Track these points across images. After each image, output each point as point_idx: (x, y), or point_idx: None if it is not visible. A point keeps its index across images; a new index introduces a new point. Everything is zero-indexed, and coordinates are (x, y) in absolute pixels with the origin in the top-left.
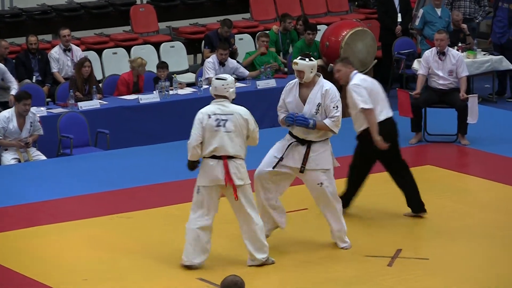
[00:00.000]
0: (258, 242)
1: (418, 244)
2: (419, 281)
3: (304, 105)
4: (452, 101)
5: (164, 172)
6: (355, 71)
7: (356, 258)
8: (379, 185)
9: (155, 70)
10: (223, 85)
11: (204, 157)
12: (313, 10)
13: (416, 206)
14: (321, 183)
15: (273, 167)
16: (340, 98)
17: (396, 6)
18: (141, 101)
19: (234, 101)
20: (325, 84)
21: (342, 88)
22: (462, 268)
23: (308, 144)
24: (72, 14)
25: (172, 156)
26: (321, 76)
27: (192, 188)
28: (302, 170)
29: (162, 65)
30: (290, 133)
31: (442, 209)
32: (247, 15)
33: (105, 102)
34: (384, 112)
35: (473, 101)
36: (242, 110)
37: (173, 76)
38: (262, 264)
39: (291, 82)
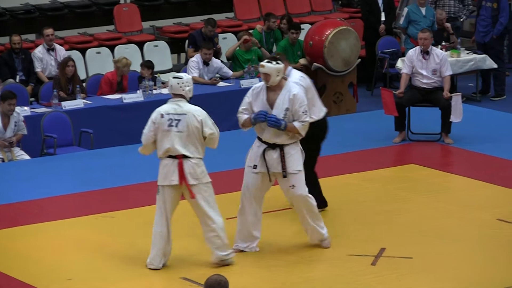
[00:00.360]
0: (218, 240)
1: (401, 243)
2: (402, 280)
3: (272, 109)
4: (435, 100)
5: (148, 172)
6: (290, 67)
7: (340, 257)
8: (362, 184)
9: (139, 69)
10: (178, 83)
11: (160, 157)
12: (297, 9)
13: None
14: (293, 185)
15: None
16: (306, 102)
17: (380, 5)
18: (124, 101)
19: (221, 100)
20: (293, 89)
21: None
22: (445, 267)
23: (280, 147)
24: (55, 14)
25: (156, 155)
26: (288, 80)
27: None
28: (284, 175)
29: (147, 64)
30: (259, 139)
31: (425, 208)
32: (231, 15)
33: (88, 102)
34: (323, 109)
35: (456, 100)
36: (197, 111)
37: (156, 75)
38: (223, 262)
39: (257, 85)
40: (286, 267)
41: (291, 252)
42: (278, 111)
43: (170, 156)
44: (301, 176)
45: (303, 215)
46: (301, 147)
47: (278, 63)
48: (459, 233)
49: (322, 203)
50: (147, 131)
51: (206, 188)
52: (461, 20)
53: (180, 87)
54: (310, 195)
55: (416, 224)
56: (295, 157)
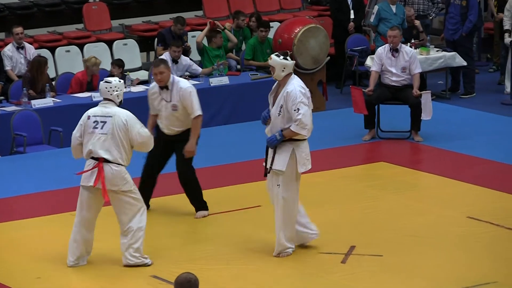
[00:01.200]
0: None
1: (371, 241)
2: (373, 278)
3: (272, 106)
4: (405, 98)
5: None
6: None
7: (310, 255)
8: (332, 182)
9: (108, 68)
10: (106, 87)
11: (85, 158)
12: (266, 7)
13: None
14: (279, 185)
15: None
16: (303, 99)
17: (349, 3)
18: (94, 99)
19: None
20: (289, 86)
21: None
22: (416, 264)
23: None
24: (25, 12)
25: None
26: (292, 76)
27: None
28: (268, 171)
29: (118, 63)
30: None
31: (395, 206)
32: (200, 13)
33: (58, 100)
34: None
35: (426, 98)
36: (124, 114)
37: (126, 74)
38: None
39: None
40: (255, 265)
41: (260, 250)
42: (275, 108)
43: (93, 158)
44: (284, 178)
45: (277, 216)
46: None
47: (286, 59)
48: (429, 231)
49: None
50: (74, 132)
51: (123, 196)
52: (431, 18)
53: (108, 91)
54: (289, 202)
55: (386, 222)
56: (282, 157)
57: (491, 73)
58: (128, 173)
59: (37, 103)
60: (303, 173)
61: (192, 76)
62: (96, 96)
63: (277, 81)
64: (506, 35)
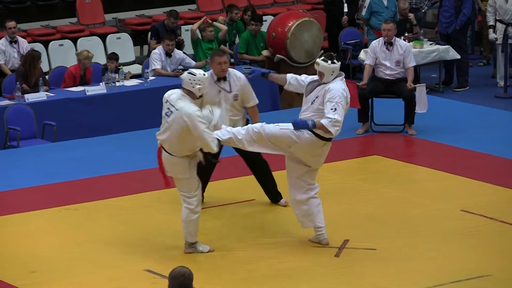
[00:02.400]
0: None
1: (365, 234)
2: (366, 271)
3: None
4: (399, 91)
5: (111, 164)
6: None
7: (303, 248)
8: (326, 175)
9: (101, 62)
10: (190, 79)
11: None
12: (260, 0)
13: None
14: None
15: None
16: (342, 102)
17: None
18: (87, 93)
19: None
20: (332, 84)
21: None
22: (409, 258)
23: None
24: (18, 6)
25: (119, 148)
26: (342, 76)
27: (138, 179)
28: None
29: (113, 57)
30: None
31: (389, 199)
32: (194, 6)
33: (51, 94)
34: None
35: (421, 91)
36: (188, 111)
37: (119, 67)
38: None
39: (314, 77)
40: (249, 259)
41: (255, 244)
42: (312, 95)
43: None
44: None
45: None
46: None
47: (333, 62)
48: (423, 224)
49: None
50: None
51: (180, 182)
52: (423, 10)
53: (191, 83)
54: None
55: (380, 215)
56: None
57: (483, 67)
58: (186, 163)
59: (31, 97)
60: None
61: (185, 70)
62: (89, 90)
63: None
64: (490, 31)
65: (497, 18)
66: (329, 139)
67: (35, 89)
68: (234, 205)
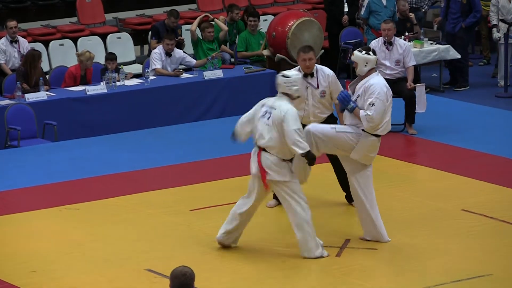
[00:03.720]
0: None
1: None
2: (367, 271)
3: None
4: (399, 91)
5: (112, 164)
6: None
7: None
8: (326, 175)
9: (102, 61)
10: (285, 82)
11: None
12: (260, 0)
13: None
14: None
15: None
16: (381, 97)
17: None
18: (88, 93)
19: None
20: (372, 80)
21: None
22: (410, 258)
23: None
24: (18, 6)
25: (120, 147)
26: (376, 73)
27: (138, 179)
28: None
29: (111, 57)
30: None
31: (389, 199)
32: (194, 6)
33: (52, 94)
34: None
35: (420, 90)
36: (285, 108)
37: (120, 67)
38: None
39: None
40: (249, 259)
41: (254, 244)
42: (353, 97)
43: (256, 145)
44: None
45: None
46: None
47: (368, 54)
48: (423, 224)
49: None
50: (242, 117)
51: (283, 186)
52: (423, 10)
53: (287, 86)
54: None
55: (381, 215)
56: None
57: (483, 67)
58: (288, 166)
59: (31, 97)
60: None
61: (186, 69)
62: (90, 89)
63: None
64: (494, 30)
65: (500, 17)
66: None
67: (35, 88)
68: (233, 205)
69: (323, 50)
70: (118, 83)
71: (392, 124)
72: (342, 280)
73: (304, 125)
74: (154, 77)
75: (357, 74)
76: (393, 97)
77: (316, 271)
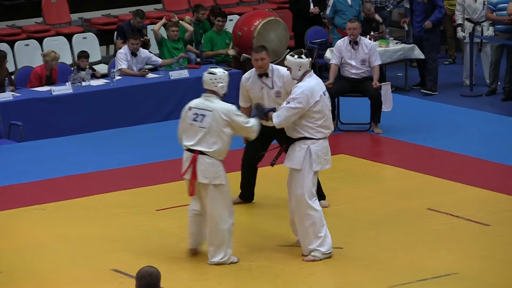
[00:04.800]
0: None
1: (332, 233)
2: (333, 269)
3: None
4: (365, 90)
5: (78, 164)
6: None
7: (270, 248)
8: None
9: (67, 62)
10: (210, 79)
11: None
12: (225, 0)
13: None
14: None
15: None
16: (300, 99)
17: None
18: (53, 93)
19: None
20: (301, 82)
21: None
22: (377, 256)
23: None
24: None
25: (86, 148)
26: (310, 74)
27: (104, 179)
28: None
29: (84, 55)
30: None
31: (356, 198)
32: (160, 6)
33: (17, 94)
34: None
35: (386, 89)
36: (223, 108)
37: (87, 67)
38: None
39: None
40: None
41: None
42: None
43: (189, 150)
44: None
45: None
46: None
47: (301, 57)
48: (390, 223)
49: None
50: (180, 121)
51: (215, 189)
52: (388, 9)
53: (213, 83)
54: (309, 200)
55: (347, 214)
56: (297, 154)
57: (448, 66)
58: (223, 168)
59: None
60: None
61: (152, 69)
62: (55, 90)
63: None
64: (459, 29)
65: (466, 16)
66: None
67: (1, 89)
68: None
69: (288, 50)
70: (83, 83)
71: (358, 124)
72: (310, 279)
73: (263, 127)
74: (120, 77)
75: (292, 78)
76: (358, 96)
77: (283, 270)
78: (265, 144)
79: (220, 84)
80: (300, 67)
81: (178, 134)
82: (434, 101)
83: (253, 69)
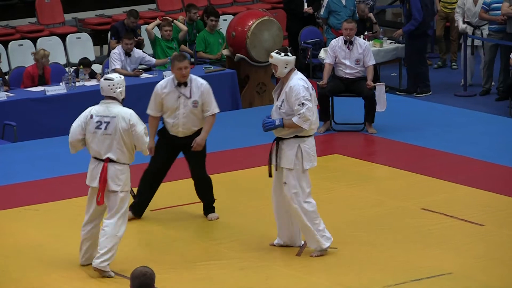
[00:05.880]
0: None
1: None
2: (328, 270)
3: (276, 101)
4: (359, 90)
5: (72, 164)
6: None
7: (265, 248)
8: None
9: (61, 62)
10: (108, 85)
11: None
12: (219, 0)
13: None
14: (285, 182)
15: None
16: (306, 95)
17: None
18: (47, 93)
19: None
20: (291, 81)
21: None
22: (371, 256)
23: (277, 140)
24: None
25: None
26: (295, 72)
27: None
28: (276, 168)
29: (87, 63)
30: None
31: (349, 198)
32: (153, 6)
33: (11, 94)
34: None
35: (380, 90)
36: (127, 113)
37: (79, 67)
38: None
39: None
40: (206, 258)
41: (213, 245)
42: (278, 102)
43: (97, 158)
44: (293, 175)
45: (293, 215)
46: (303, 147)
47: (287, 55)
48: (384, 223)
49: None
50: (75, 127)
51: (117, 196)
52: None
53: (111, 89)
54: (306, 197)
55: (341, 214)
56: (287, 154)
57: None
58: (129, 173)
59: None
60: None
61: (146, 69)
62: (49, 90)
63: (280, 79)
64: (460, 22)
65: (465, 20)
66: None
67: None
68: (192, 205)
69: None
70: (77, 84)
71: (352, 124)
72: (303, 279)
73: (173, 136)
74: None
75: (277, 76)
76: (352, 96)
77: (276, 270)
78: (171, 157)
79: (119, 89)
80: (286, 64)
81: (72, 138)
82: (428, 101)
83: (169, 78)
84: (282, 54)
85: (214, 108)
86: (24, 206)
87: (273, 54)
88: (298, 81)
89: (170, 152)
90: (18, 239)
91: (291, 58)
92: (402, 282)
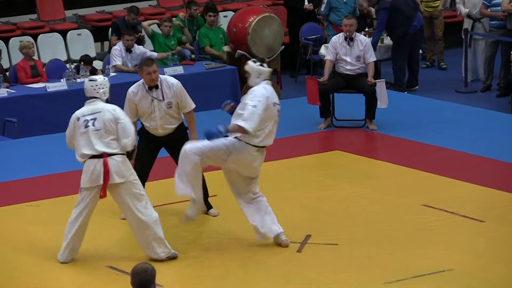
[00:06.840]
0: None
1: (327, 230)
2: (328, 266)
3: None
4: (360, 86)
5: (73, 160)
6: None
7: (265, 244)
8: (287, 171)
9: (62, 58)
10: (92, 86)
11: (81, 161)
12: None
13: None
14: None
15: None
16: (261, 100)
17: None
18: (48, 89)
19: None
20: (255, 86)
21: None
22: (371, 253)
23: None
24: None
25: None
26: (266, 81)
27: None
28: None
29: (88, 59)
30: None
31: (350, 194)
32: (154, 2)
33: (12, 91)
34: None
35: (381, 86)
36: (110, 106)
37: (80, 64)
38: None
39: None
40: (206, 256)
41: (213, 242)
42: (238, 106)
43: (94, 157)
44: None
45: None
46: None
47: (262, 65)
48: (385, 220)
49: None
50: (67, 132)
51: (134, 185)
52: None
53: (94, 89)
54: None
55: (342, 210)
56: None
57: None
58: (129, 164)
59: None
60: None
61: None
62: (50, 86)
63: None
64: (461, 7)
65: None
66: (262, 147)
67: None
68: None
69: (283, 46)
70: (78, 80)
71: (353, 120)
72: (303, 276)
73: (154, 136)
74: (114, 74)
75: (249, 84)
76: (353, 92)
77: (276, 267)
78: (154, 156)
79: (102, 90)
80: (259, 74)
81: (68, 141)
82: (428, 97)
83: (140, 82)
84: (258, 63)
85: (190, 105)
86: (25, 202)
87: (249, 62)
88: (261, 87)
89: (153, 151)
90: (19, 236)
91: (266, 69)
92: (403, 278)
